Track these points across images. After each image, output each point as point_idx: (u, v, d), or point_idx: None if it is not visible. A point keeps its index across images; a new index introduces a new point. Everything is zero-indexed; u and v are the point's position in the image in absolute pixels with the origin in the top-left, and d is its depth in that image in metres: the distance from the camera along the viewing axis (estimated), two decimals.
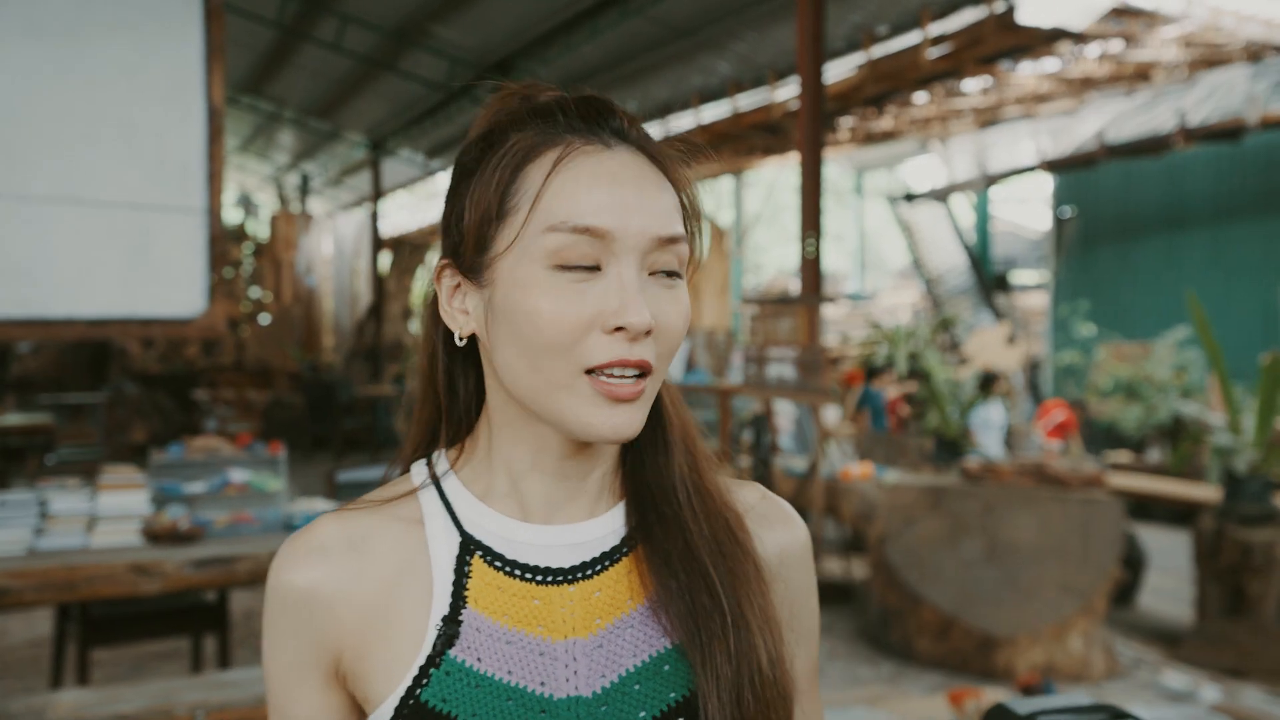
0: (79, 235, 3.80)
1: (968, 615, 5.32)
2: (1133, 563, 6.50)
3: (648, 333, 0.75)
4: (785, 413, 7.75)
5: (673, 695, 0.78)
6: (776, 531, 0.89)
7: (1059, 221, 14.66)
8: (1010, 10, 7.91)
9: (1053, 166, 13.12)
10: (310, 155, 18.25)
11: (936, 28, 8.54)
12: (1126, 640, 5.88)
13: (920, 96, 10.87)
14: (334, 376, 15.15)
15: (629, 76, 11.11)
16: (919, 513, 5.59)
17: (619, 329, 0.75)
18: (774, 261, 26.97)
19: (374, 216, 16.84)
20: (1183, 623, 6.14)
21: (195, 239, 3.98)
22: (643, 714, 0.78)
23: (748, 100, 11.00)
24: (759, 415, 7.22)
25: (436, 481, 0.85)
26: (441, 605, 0.79)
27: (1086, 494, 5.48)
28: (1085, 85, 10.87)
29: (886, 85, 9.88)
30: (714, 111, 11.58)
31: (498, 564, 0.81)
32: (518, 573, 0.81)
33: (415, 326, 0.90)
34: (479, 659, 0.78)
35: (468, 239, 0.79)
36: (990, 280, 16.77)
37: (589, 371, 0.75)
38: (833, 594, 6.75)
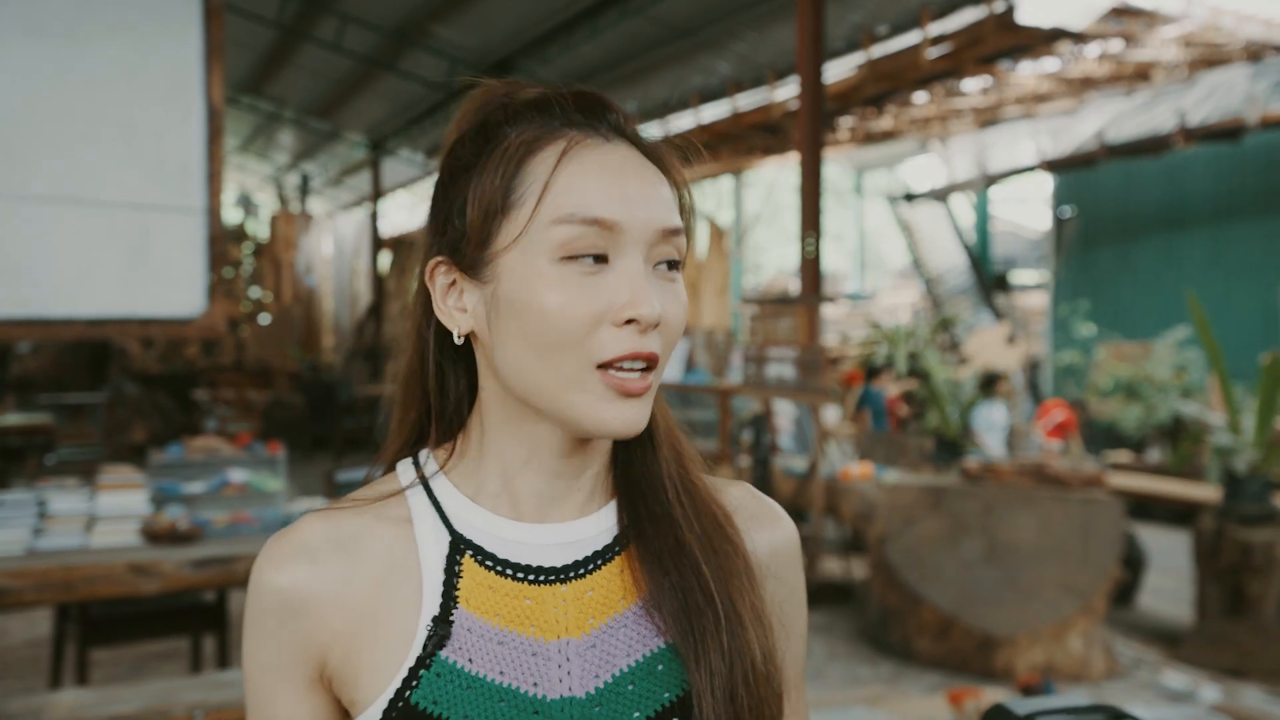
0: (79, 235, 3.80)
1: (967, 615, 5.32)
2: (1133, 563, 6.50)
3: (656, 325, 0.76)
4: (785, 413, 7.75)
5: (667, 695, 0.78)
6: (767, 529, 0.89)
7: (1059, 221, 14.66)
8: (1010, 10, 7.91)
9: (1053, 166, 13.11)
10: (310, 155, 18.25)
11: (936, 27, 8.54)
12: (1126, 640, 5.87)
13: (920, 96, 10.87)
14: (334, 376, 15.16)
15: (629, 76, 11.11)
16: (919, 513, 5.59)
17: (630, 321, 0.75)
18: (774, 261, 26.97)
19: (374, 216, 16.84)
20: (1183, 623, 6.14)
21: (195, 239, 3.98)
22: (637, 714, 0.77)
23: (747, 100, 11.00)
24: (758, 415, 7.22)
25: (424, 481, 0.83)
26: (431, 605, 0.78)
27: (1086, 494, 5.47)
28: (1085, 85, 10.87)
29: (886, 85, 9.88)
30: (714, 111, 11.58)
31: (488, 563, 0.80)
32: (509, 572, 0.80)
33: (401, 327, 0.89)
34: (470, 660, 0.77)
35: (470, 234, 0.78)
36: (990, 280, 16.77)
37: (600, 366, 0.75)
38: (832, 594, 6.75)
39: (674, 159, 0.83)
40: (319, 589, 0.78)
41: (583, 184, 0.76)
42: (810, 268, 6.47)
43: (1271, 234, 11.96)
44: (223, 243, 4.04)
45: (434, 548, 0.80)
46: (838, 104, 10.52)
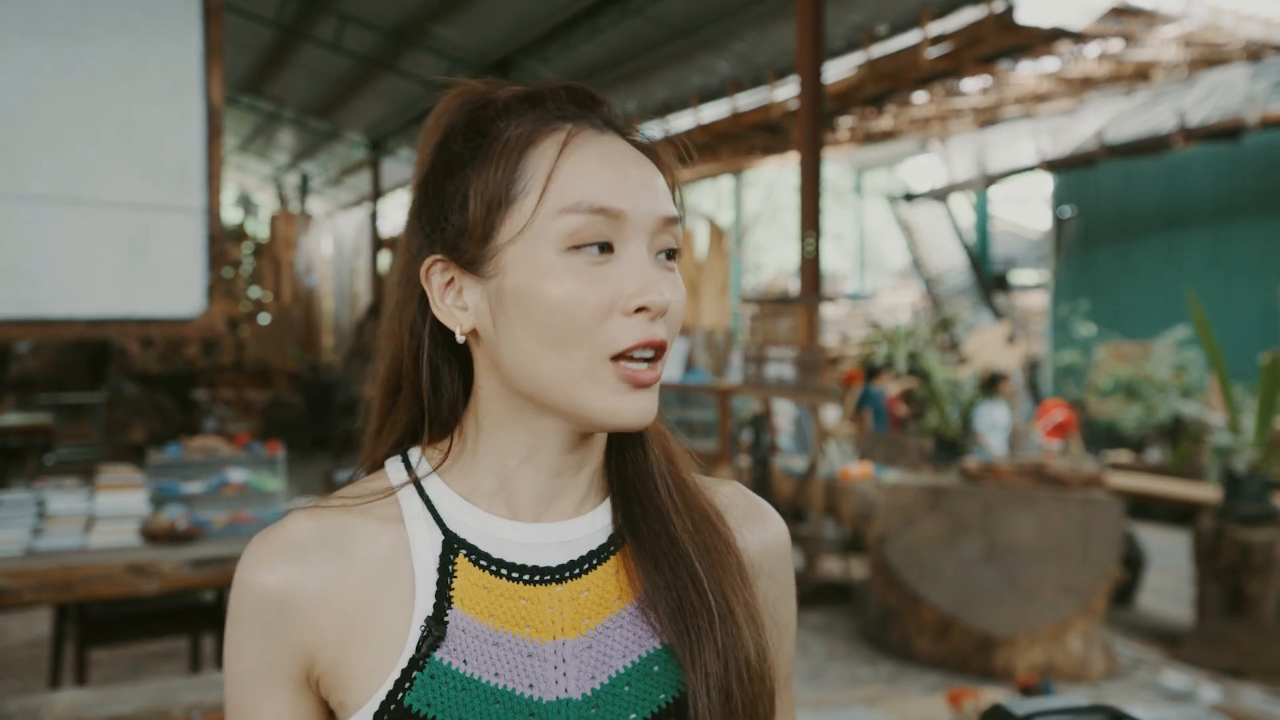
0: (79, 235, 3.80)
1: (967, 615, 5.32)
2: (1132, 563, 6.50)
3: (664, 312, 0.76)
4: (784, 412, 7.75)
5: (662, 696, 0.77)
6: (759, 528, 0.89)
7: (1059, 221, 14.66)
8: (1010, 10, 7.91)
9: (1052, 166, 13.12)
10: (310, 155, 18.26)
11: (936, 27, 8.54)
12: (1126, 640, 5.87)
13: (920, 96, 10.87)
14: (333, 376, 15.15)
15: (629, 76, 11.11)
16: (918, 513, 5.59)
17: (641, 309, 0.75)
18: (773, 261, 26.97)
19: (373, 216, 16.84)
20: (1182, 623, 6.14)
21: (194, 239, 3.97)
22: (633, 716, 0.76)
23: (747, 100, 11.00)
24: (758, 415, 7.22)
25: (415, 480, 0.81)
26: (425, 606, 0.77)
27: (1086, 494, 5.47)
28: (1085, 85, 10.87)
29: (886, 85, 9.88)
30: (713, 111, 11.58)
31: (483, 563, 0.78)
32: (504, 572, 0.79)
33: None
34: (465, 661, 0.75)
35: (473, 229, 0.77)
36: (990, 280, 16.77)
37: (613, 359, 0.75)
38: (832, 594, 6.74)
39: (664, 150, 0.83)
40: (308, 588, 0.76)
41: (586, 173, 0.76)
42: (810, 267, 6.47)
43: (1271, 234, 11.96)
44: (222, 242, 4.03)
45: (427, 547, 0.79)
46: (837, 104, 10.52)
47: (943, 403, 8.09)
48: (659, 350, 0.76)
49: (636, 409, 0.76)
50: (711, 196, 24.24)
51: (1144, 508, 8.43)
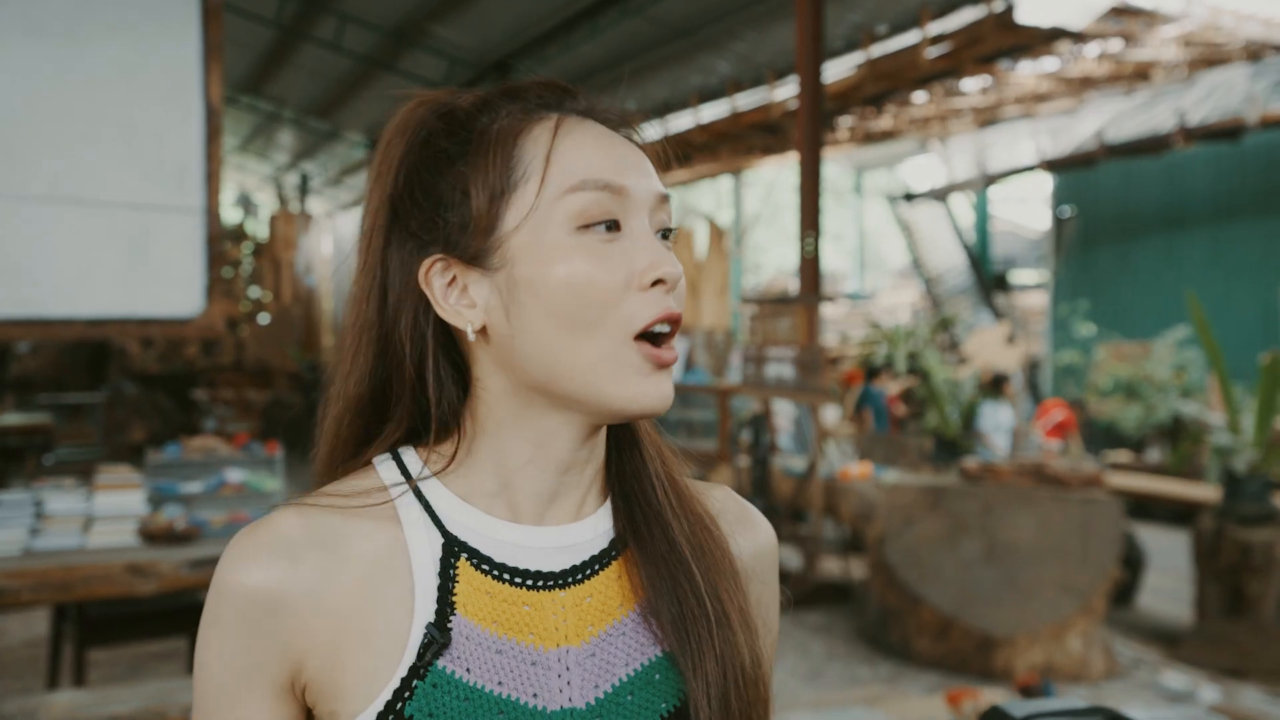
0: (78, 235, 3.80)
1: (967, 615, 5.32)
2: (1132, 563, 6.50)
3: (678, 283, 0.76)
4: (784, 412, 7.75)
5: (664, 705, 0.76)
6: (750, 533, 0.88)
7: (1058, 221, 14.67)
8: (1009, 9, 7.91)
9: (1052, 166, 13.12)
10: (310, 155, 18.25)
11: (936, 27, 8.55)
12: (1126, 640, 5.87)
13: (919, 96, 10.88)
14: None
15: (629, 76, 11.09)
16: (918, 513, 5.59)
17: (658, 282, 0.74)
18: (773, 261, 26.97)
19: None
20: (1182, 623, 6.13)
21: (194, 238, 3.98)
22: None
23: (747, 100, 11.01)
24: (758, 415, 7.22)
25: (410, 479, 0.78)
26: (426, 611, 0.74)
27: (1086, 494, 5.47)
28: (1084, 85, 10.87)
29: (886, 85, 9.88)
30: (713, 111, 11.58)
31: (484, 567, 0.76)
32: (506, 577, 0.76)
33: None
34: (468, 669, 0.73)
35: (476, 221, 0.75)
36: (990, 280, 16.78)
37: (636, 339, 0.74)
38: (832, 594, 6.74)
39: (641, 127, 0.82)
40: (298, 589, 0.73)
41: (583, 154, 0.76)
42: (809, 267, 6.47)
43: (1271, 234, 11.96)
44: (221, 242, 4.04)
45: (426, 549, 0.76)
46: (837, 104, 10.52)
47: (942, 403, 8.09)
48: (675, 325, 0.76)
49: (659, 393, 0.75)
50: (711, 196, 24.25)
51: (1144, 508, 8.43)
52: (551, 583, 0.77)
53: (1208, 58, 10.09)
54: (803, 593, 6.45)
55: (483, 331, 0.76)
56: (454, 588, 0.75)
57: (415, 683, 0.72)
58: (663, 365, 0.75)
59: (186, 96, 3.95)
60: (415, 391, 0.79)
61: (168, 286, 3.95)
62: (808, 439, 7.12)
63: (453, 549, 0.76)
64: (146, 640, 4.40)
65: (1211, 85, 10.70)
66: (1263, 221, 12.06)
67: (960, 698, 3.58)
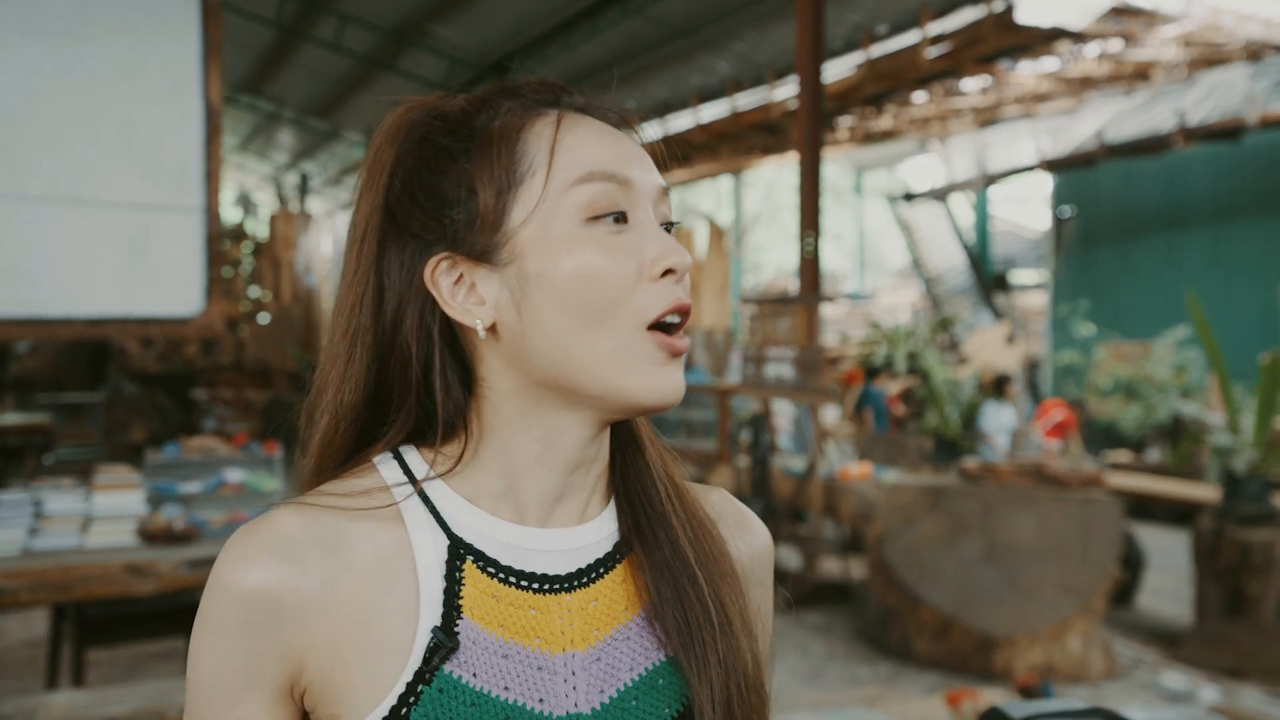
0: (78, 235, 3.80)
1: (966, 615, 5.32)
2: (1132, 563, 6.50)
3: (686, 274, 0.76)
4: (784, 412, 7.75)
5: (668, 711, 0.76)
6: (747, 536, 0.88)
7: (1058, 221, 14.67)
8: (1009, 9, 7.91)
9: (1052, 166, 13.12)
10: (310, 155, 18.26)
11: (935, 27, 8.54)
12: (1125, 640, 5.87)
13: (919, 96, 10.88)
14: None
15: (629, 76, 11.11)
16: (918, 513, 5.59)
17: (668, 271, 0.74)
18: (773, 261, 26.97)
19: None
20: (1182, 623, 6.13)
21: (193, 238, 3.98)
22: None
23: (747, 100, 11.01)
24: (757, 415, 7.22)
25: (413, 479, 0.77)
26: (432, 615, 0.72)
27: (1085, 494, 5.47)
28: (1084, 85, 10.87)
29: (885, 85, 9.88)
30: (713, 111, 11.58)
31: (490, 570, 0.75)
32: (513, 580, 0.75)
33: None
34: (474, 674, 0.72)
35: (484, 217, 0.74)
36: (989, 280, 16.78)
37: (650, 328, 0.74)
38: (831, 594, 6.74)
39: (637, 122, 0.82)
40: (299, 590, 0.71)
41: (588, 146, 0.76)
42: (809, 267, 6.47)
43: (1271, 234, 11.96)
44: (221, 242, 4.03)
45: (431, 551, 0.74)
46: (837, 104, 10.52)
47: (942, 403, 8.09)
48: (685, 316, 0.76)
49: (673, 384, 0.75)
50: (711, 196, 24.25)
51: (1144, 508, 8.43)
52: (557, 586, 0.77)
53: (1208, 58, 10.09)
54: (802, 593, 6.45)
55: (491, 329, 0.75)
56: (460, 591, 0.74)
57: (421, 688, 0.71)
58: (676, 354, 0.75)
59: (186, 96, 3.95)
60: (420, 393, 0.78)
61: (167, 286, 3.95)
62: (807, 439, 7.12)
63: (458, 551, 0.75)
64: (145, 640, 4.39)
65: (1211, 85, 10.70)
66: (1263, 221, 12.06)
67: (960, 698, 3.58)
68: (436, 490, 0.77)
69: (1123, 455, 10.81)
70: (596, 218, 0.74)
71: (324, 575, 0.72)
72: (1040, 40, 8.67)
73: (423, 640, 0.72)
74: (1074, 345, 13.82)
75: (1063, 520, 5.32)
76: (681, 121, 11.88)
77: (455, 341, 0.78)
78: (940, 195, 16.46)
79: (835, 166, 20.92)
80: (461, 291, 0.76)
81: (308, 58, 12.56)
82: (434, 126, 0.78)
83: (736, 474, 7.42)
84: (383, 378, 0.78)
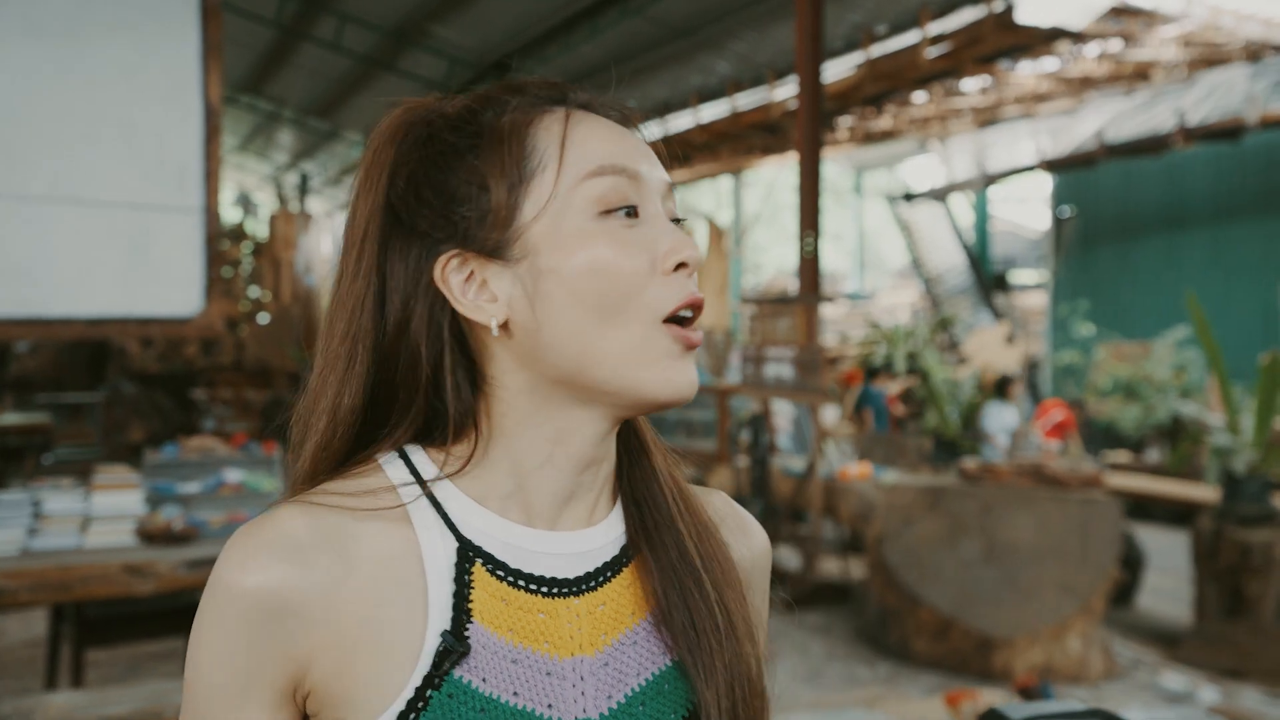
0: (78, 235, 3.80)
1: (966, 616, 5.32)
2: (1131, 563, 6.50)
3: (698, 267, 0.76)
4: (783, 412, 7.75)
5: (674, 716, 0.76)
6: (747, 540, 0.88)
7: (1058, 221, 14.67)
8: (1009, 9, 7.91)
9: (1052, 166, 13.12)
10: (309, 155, 18.26)
11: (935, 27, 8.54)
12: (1125, 641, 5.87)
13: (919, 96, 10.87)
14: None
15: (628, 76, 11.02)
16: (917, 513, 5.58)
17: (680, 265, 0.75)
18: (773, 261, 26.97)
19: None
20: (1181, 623, 6.13)
21: (193, 238, 3.98)
22: None
23: (746, 100, 11.00)
24: (757, 415, 7.22)
25: (421, 480, 0.76)
26: (441, 619, 0.71)
27: (1085, 494, 5.47)
28: (1084, 85, 10.87)
29: (885, 85, 9.88)
30: (713, 111, 11.58)
31: (500, 573, 0.74)
32: (522, 583, 0.74)
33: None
34: (484, 679, 0.71)
35: (496, 212, 0.74)
36: (989, 280, 16.78)
37: (665, 321, 0.74)
38: (831, 594, 6.74)
39: (640, 120, 0.82)
40: (304, 592, 0.70)
41: (597, 140, 0.76)
42: (809, 267, 6.47)
43: (1271, 234, 11.97)
44: (220, 242, 4.03)
45: (440, 553, 0.73)
46: (837, 104, 10.52)
47: (942, 403, 8.09)
48: (698, 311, 0.76)
49: (689, 378, 0.75)
50: (711, 196, 24.25)
51: (1143, 508, 8.43)
52: (566, 590, 0.76)
53: (1208, 58, 10.09)
54: (802, 593, 6.45)
55: (504, 326, 0.75)
56: (470, 594, 0.73)
57: (430, 693, 0.70)
58: (691, 347, 0.75)
59: (186, 96, 3.95)
60: (429, 393, 0.77)
61: (167, 286, 3.95)
62: (807, 439, 7.12)
63: (467, 554, 0.74)
64: (144, 640, 4.39)
65: (1211, 85, 10.70)
66: (1263, 221, 12.06)
67: (959, 699, 3.58)
68: (444, 491, 0.76)
69: (1122, 455, 10.81)
70: (608, 212, 0.74)
71: (330, 576, 0.71)
72: (1040, 40, 8.66)
73: (432, 644, 0.71)
74: (1074, 345, 13.82)
75: (1062, 520, 5.32)
76: (681, 121, 11.88)
77: (463, 340, 0.77)
78: (940, 195, 16.47)
79: (835, 166, 20.92)
80: (473, 289, 0.75)
81: (308, 58, 12.56)
82: (439, 124, 0.77)
83: (736, 474, 7.42)
84: (383, 380, 0.77)
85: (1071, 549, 5.28)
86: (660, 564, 0.78)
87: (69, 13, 3.77)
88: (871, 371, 10.04)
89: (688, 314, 0.75)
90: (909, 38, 8.90)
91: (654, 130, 0.83)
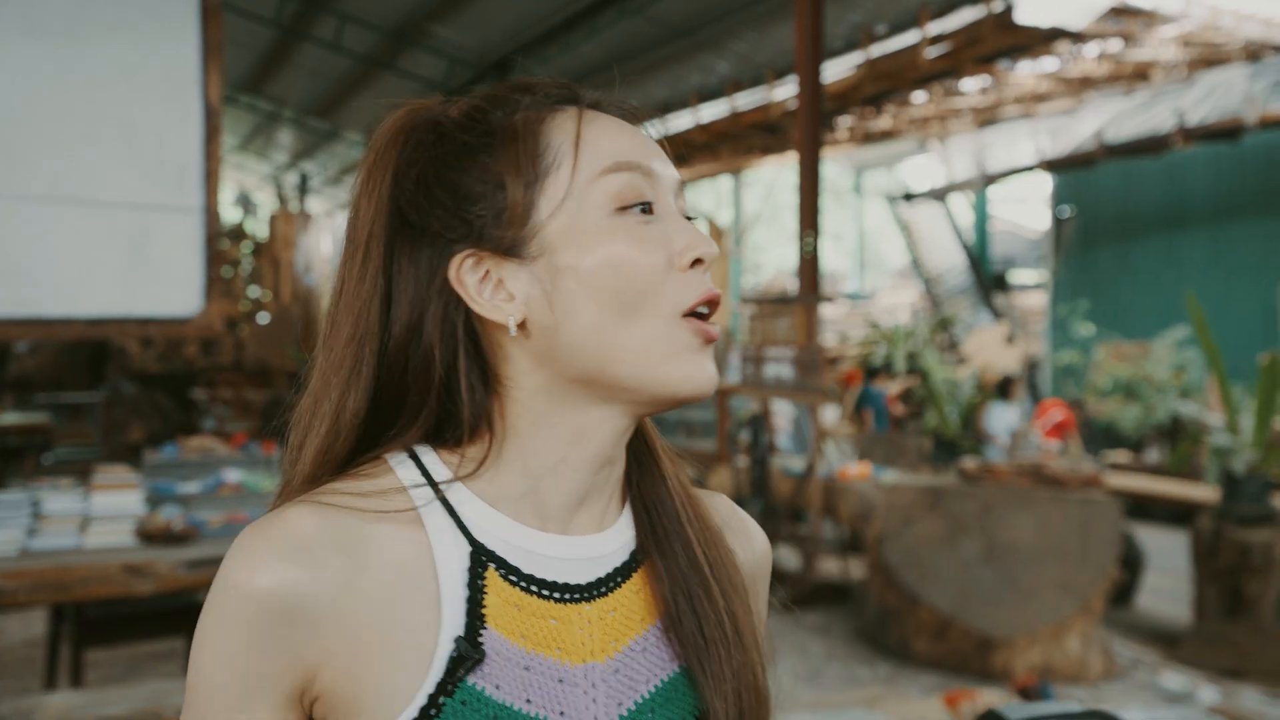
0: (78, 235, 3.80)
1: (966, 616, 5.32)
2: (1131, 563, 6.50)
3: (714, 264, 0.76)
4: (783, 412, 7.75)
5: None
6: (749, 544, 0.88)
7: (1058, 221, 14.67)
8: (1009, 10, 7.91)
9: (1052, 166, 13.12)
10: (309, 154, 18.26)
11: (935, 27, 8.54)
12: (1124, 641, 5.87)
13: (919, 96, 10.88)
14: None
15: (628, 76, 11.04)
16: (917, 513, 5.59)
17: (697, 261, 0.74)
18: (773, 261, 26.97)
19: None
20: (1181, 623, 6.13)
21: (193, 238, 3.98)
22: None
23: (746, 99, 11.00)
24: (757, 415, 7.22)
25: (432, 482, 0.74)
26: (455, 624, 0.70)
27: (1085, 494, 5.47)
28: (1084, 85, 10.87)
29: (885, 85, 9.88)
30: (713, 111, 11.58)
31: (513, 578, 0.73)
32: (535, 589, 0.73)
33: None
34: (497, 686, 0.70)
35: (512, 210, 0.73)
36: (989, 280, 16.78)
37: (685, 315, 0.74)
38: (830, 594, 6.74)
39: (647, 119, 0.82)
40: (315, 595, 0.69)
41: (611, 137, 0.76)
42: (809, 267, 6.47)
43: (1271, 234, 11.97)
44: (220, 242, 4.03)
45: (453, 557, 0.72)
46: (836, 104, 10.52)
47: (942, 403, 8.09)
48: (714, 307, 0.76)
49: (709, 373, 0.75)
50: (711, 196, 24.25)
51: (1143, 508, 8.43)
52: (578, 595, 0.75)
53: (1207, 58, 10.09)
54: (802, 593, 6.45)
55: (521, 325, 0.74)
56: (483, 599, 0.72)
57: (443, 699, 0.69)
58: (710, 340, 0.75)
59: (186, 96, 3.95)
60: (441, 395, 0.75)
61: (167, 286, 3.95)
62: (806, 439, 7.12)
63: (480, 558, 0.73)
64: (144, 641, 4.39)
65: (1211, 85, 10.70)
66: (1263, 221, 12.06)
67: (958, 699, 3.58)
68: (457, 493, 0.75)
69: (1122, 455, 10.81)
70: (625, 208, 0.74)
71: (341, 579, 0.69)
72: (1040, 40, 8.67)
73: (445, 650, 0.70)
74: (1073, 345, 13.82)
75: (1062, 521, 5.32)
76: (681, 121, 11.88)
77: (476, 340, 0.76)
78: (940, 195, 16.47)
79: (835, 166, 20.93)
80: (488, 288, 0.74)
81: (308, 58, 12.56)
82: (448, 124, 0.77)
83: (736, 474, 7.42)
84: (388, 383, 0.76)
85: (1071, 549, 5.28)
86: (670, 570, 0.78)
87: (69, 13, 3.76)
88: (871, 371, 10.05)
89: (705, 310, 0.75)
90: (909, 38, 8.90)
91: (659, 129, 0.83)
